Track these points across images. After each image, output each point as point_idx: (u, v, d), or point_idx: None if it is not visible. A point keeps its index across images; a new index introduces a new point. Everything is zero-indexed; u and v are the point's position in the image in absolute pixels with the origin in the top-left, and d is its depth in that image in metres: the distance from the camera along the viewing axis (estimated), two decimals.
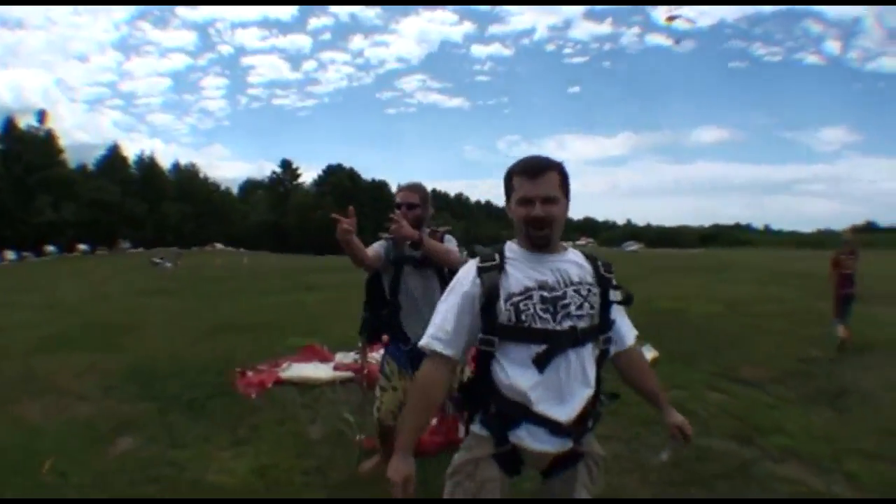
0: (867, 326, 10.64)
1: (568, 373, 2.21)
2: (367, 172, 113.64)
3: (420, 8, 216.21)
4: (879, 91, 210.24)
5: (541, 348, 2.18)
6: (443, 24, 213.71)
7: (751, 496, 4.33)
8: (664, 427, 2.56)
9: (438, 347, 2.25)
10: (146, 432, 5.54)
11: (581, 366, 2.25)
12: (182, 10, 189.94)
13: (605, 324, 2.34)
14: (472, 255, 2.41)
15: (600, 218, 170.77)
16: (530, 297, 2.21)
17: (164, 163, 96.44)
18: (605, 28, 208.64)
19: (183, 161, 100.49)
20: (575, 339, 2.21)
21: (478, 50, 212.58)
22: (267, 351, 8.90)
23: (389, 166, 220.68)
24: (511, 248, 2.33)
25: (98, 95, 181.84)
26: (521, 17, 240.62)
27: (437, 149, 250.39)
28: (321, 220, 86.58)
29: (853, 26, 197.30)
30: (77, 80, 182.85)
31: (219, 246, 71.50)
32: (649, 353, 7.89)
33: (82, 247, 61.29)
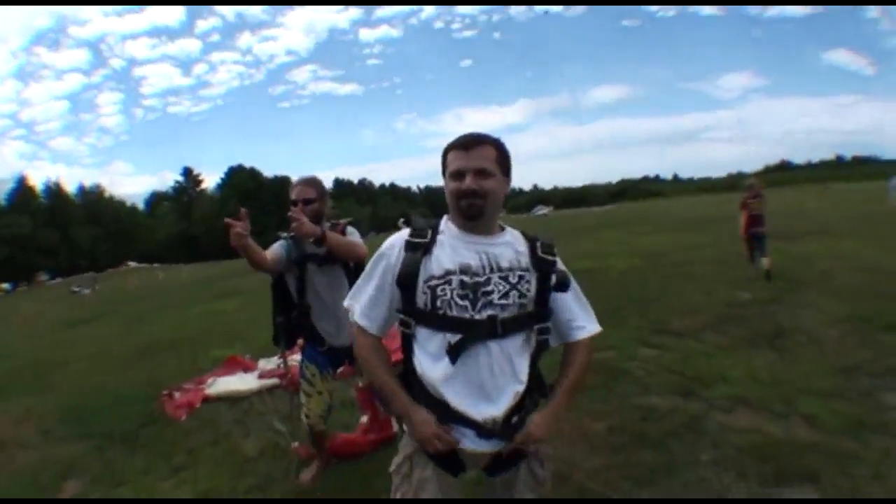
0: (797, 263, 10.93)
1: (491, 367, 2.08)
2: (270, 169, 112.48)
3: None
4: (783, 35, 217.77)
5: (455, 338, 2.06)
6: (329, 11, 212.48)
7: (705, 451, 4.23)
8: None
9: (356, 317, 2.23)
10: (89, 474, 5.37)
11: (508, 359, 2.11)
12: (74, 29, 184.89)
13: (540, 313, 2.19)
14: (408, 223, 2.28)
15: None
16: (448, 282, 2.08)
17: (70, 187, 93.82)
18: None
19: (87, 183, 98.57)
20: (493, 329, 2.07)
21: (366, 34, 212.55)
22: (192, 367, 8.72)
23: (290, 160, 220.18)
24: (446, 224, 2.21)
25: (1, 127, 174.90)
26: None
27: (336, 137, 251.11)
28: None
29: None
30: None
31: (132, 264, 70.53)
32: None
33: (5, 286, 60.13)
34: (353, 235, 3.88)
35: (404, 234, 2.19)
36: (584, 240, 21.33)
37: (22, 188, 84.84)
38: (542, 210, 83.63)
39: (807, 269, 10.83)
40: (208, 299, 20.35)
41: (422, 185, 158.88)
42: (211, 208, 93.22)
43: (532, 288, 2.15)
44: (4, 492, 5.30)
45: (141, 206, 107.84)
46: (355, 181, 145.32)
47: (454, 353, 2.05)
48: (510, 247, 2.19)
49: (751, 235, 11.32)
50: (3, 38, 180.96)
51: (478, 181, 2.08)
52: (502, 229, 2.24)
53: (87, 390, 8.67)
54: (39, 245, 74.91)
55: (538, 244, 2.22)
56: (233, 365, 8.15)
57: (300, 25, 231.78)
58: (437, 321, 2.08)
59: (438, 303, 2.07)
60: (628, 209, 48.92)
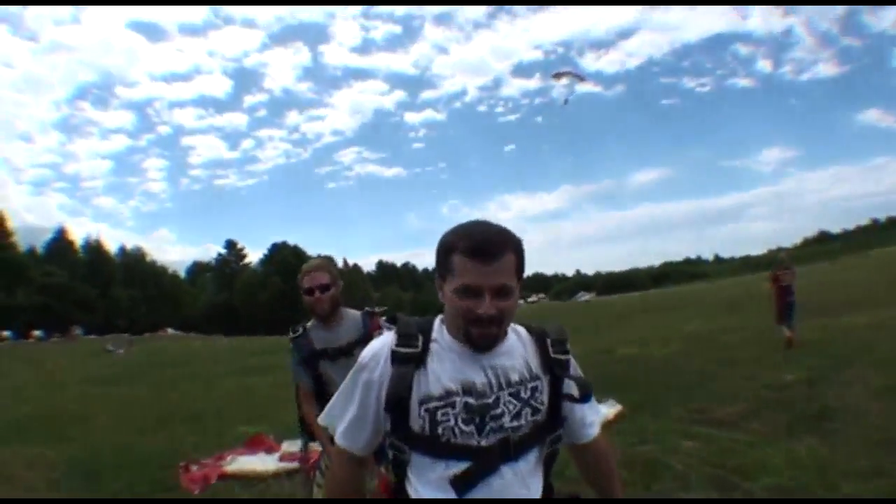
0: (838, 338, 10.64)
1: (503, 492, 1.68)
2: (313, 248, 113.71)
3: (351, 79, 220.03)
4: (816, 100, 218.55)
5: (460, 467, 1.67)
6: (375, 93, 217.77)
7: None
8: None
9: (337, 438, 1.82)
10: None
11: (522, 482, 1.72)
12: (121, 90, 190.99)
13: (554, 422, 1.80)
14: (392, 321, 1.84)
15: (549, 272, 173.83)
16: (451, 405, 1.67)
17: (111, 247, 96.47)
18: (534, 83, 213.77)
19: (129, 245, 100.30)
20: (506, 454, 1.69)
21: (411, 117, 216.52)
22: (214, 441, 8.60)
23: (334, 240, 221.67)
24: (441, 332, 1.77)
25: (43, 177, 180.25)
26: (452, 79, 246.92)
27: (380, 219, 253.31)
28: (269, 298, 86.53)
29: (783, 39, 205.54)
30: (23, 160, 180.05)
31: (170, 331, 71.24)
32: (613, 409, 7.61)
33: (37, 333, 61.40)
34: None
35: (388, 341, 1.76)
36: (626, 326, 21.14)
37: (61, 239, 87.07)
38: (584, 296, 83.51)
39: (848, 342, 10.63)
40: (240, 373, 20.44)
41: None
42: (253, 282, 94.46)
43: (545, 398, 1.76)
44: None
45: (182, 274, 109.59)
46: (398, 265, 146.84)
47: (461, 485, 1.67)
48: (518, 353, 1.77)
49: (783, 306, 12.40)
50: (47, 86, 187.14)
51: (498, 304, 1.63)
52: (505, 333, 1.79)
53: (102, 448, 8.70)
54: (76, 298, 76.41)
55: (549, 342, 1.81)
56: (256, 444, 7.98)
57: (346, 105, 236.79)
58: (438, 449, 1.68)
59: (440, 430, 1.66)
60: (670, 293, 48.57)
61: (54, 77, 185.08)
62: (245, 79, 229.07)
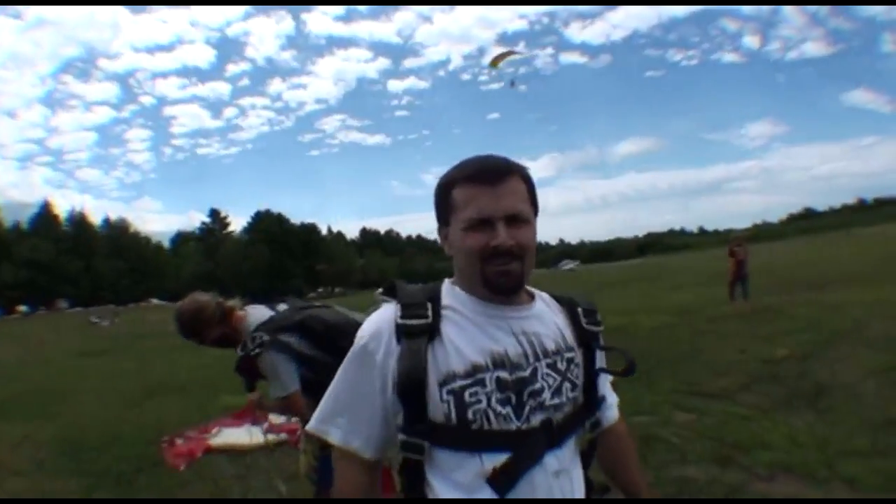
0: (829, 314, 10.64)
1: (550, 491, 1.38)
2: (297, 216, 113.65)
3: (334, 48, 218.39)
4: (804, 78, 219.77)
5: (499, 459, 1.34)
6: (358, 61, 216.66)
7: None
8: None
9: (338, 441, 1.45)
10: None
11: (567, 475, 1.43)
12: (103, 62, 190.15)
13: (591, 403, 1.53)
14: (391, 292, 1.49)
15: None
16: (482, 383, 1.34)
17: (95, 219, 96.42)
18: (518, 52, 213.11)
19: (113, 216, 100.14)
20: (550, 439, 1.39)
21: (394, 85, 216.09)
22: (199, 413, 8.53)
23: (318, 208, 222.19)
24: (453, 293, 1.47)
25: (28, 152, 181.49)
26: (436, 48, 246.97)
27: (364, 187, 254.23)
28: (253, 266, 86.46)
29: (772, 16, 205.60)
30: (7, 136, 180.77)
31: (154, 301, 71.41)
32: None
33: (22, 308, 61.59)
34: (271, 377, 3.24)
35: (389, 313, 1.43)
36: (613, 295, 21.11)
37: (46, 214, 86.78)
38: (569, 264, 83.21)
39: (839, 319, 10.49)
40: None
41: None
42: (237, 251, 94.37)
43: (581, 373, 1.49)
44: None
45: (166, 244, 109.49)
46: (382, 232, 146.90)
47: (503, 483, 1.34)
48: (550, 319, 1.50)
49: (738, 278, 15.48)
50: (31, 62, 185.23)
51: (514, 232, 1.37)
52: (530, 295, 1.54)
53: (88, 425, 8.71)
54: (61, 272, 76.56)
55: (580, 310, 1.55)
56: (244, 415, 7.77)
57: (329, 73, 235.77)
58: (470, 440, 1.35)
59: (470, 414, 1.33)
60: (655, 263, 48.77)
61: (38, 53, 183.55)
62: (228, 48, 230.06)
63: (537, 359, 1.40)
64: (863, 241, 41.16)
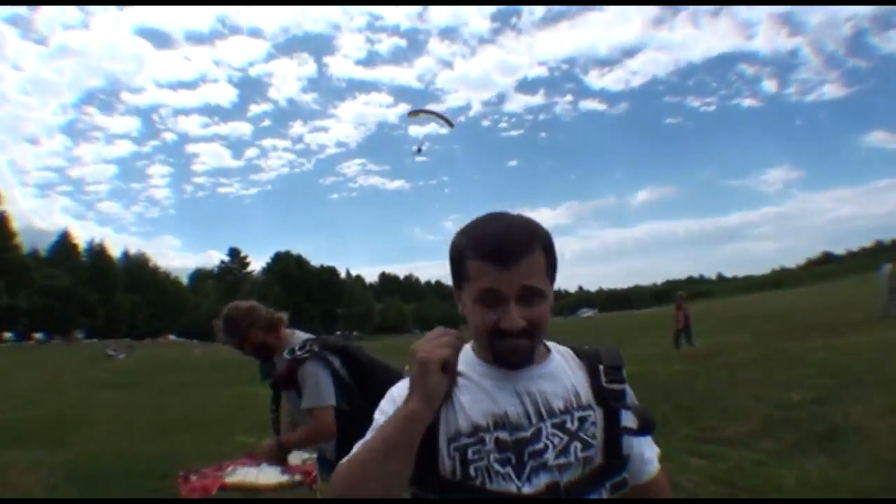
0: (844, 358, 10.57)
1: None
2: (316, 258, 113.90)
3: (356, 91, 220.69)
4: (821, 121, 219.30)
5: None
6: (379, 105, 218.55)
7: None
8: None
9: None
10: None
11: None
12: (126, 95, 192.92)
13: (614, 464, 1.43)
14: None
15: None
16: (482, 442, 1.35)
17: (114, 251, 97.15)
18: (538, 99, 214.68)
19: (132, 250, 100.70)
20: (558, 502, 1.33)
21: (415, 130, 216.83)
22: (214, 450, 8.50)
23: (337, 251, 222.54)
24: (465, 359, 1.46)
25: (48, 180, 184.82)
26: (456, 94, 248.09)
27: (384, 232, 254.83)
28: (272, 307, 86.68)
29: (789, 59, 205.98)
30: (28, 163, 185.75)
31: (171, 338, 71.38)
32: None
33: (38, 335, 61.44)
34: (309, 385, 3.28)
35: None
36: (630, 343, 21.03)
37: (65, 242, 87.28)
38: (587, 312, 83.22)
39: (854, 362, 10.49)
40: (242, 382, 19.98)
41: None
42: (256, 291, 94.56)
43: (598, 432, 1.42)
44: None
45: (185, 281, 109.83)
46: (401, 277, 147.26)
47: None
48: (564, 377, 1.46)
49: (684, 328, 17.88)
50: (55, 90, 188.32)
51: (526, 312, 1.33)
52: (547, 351, 1.51)
53: (101, 454, 8.73)
54: (79, 301, 76.75)
55: (601, 367, 1.48)
56: (259, 455, 7.82)
57: (350, 117, 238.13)
58: (473, 495, 1.35)
59: (472, 470, 1.34)
60: (672, 311, 48.33)
61: (62, 81, 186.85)
62: (250, 88, 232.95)
63: (541, 419, 1.38)
64: (879, 284, 40.88)
